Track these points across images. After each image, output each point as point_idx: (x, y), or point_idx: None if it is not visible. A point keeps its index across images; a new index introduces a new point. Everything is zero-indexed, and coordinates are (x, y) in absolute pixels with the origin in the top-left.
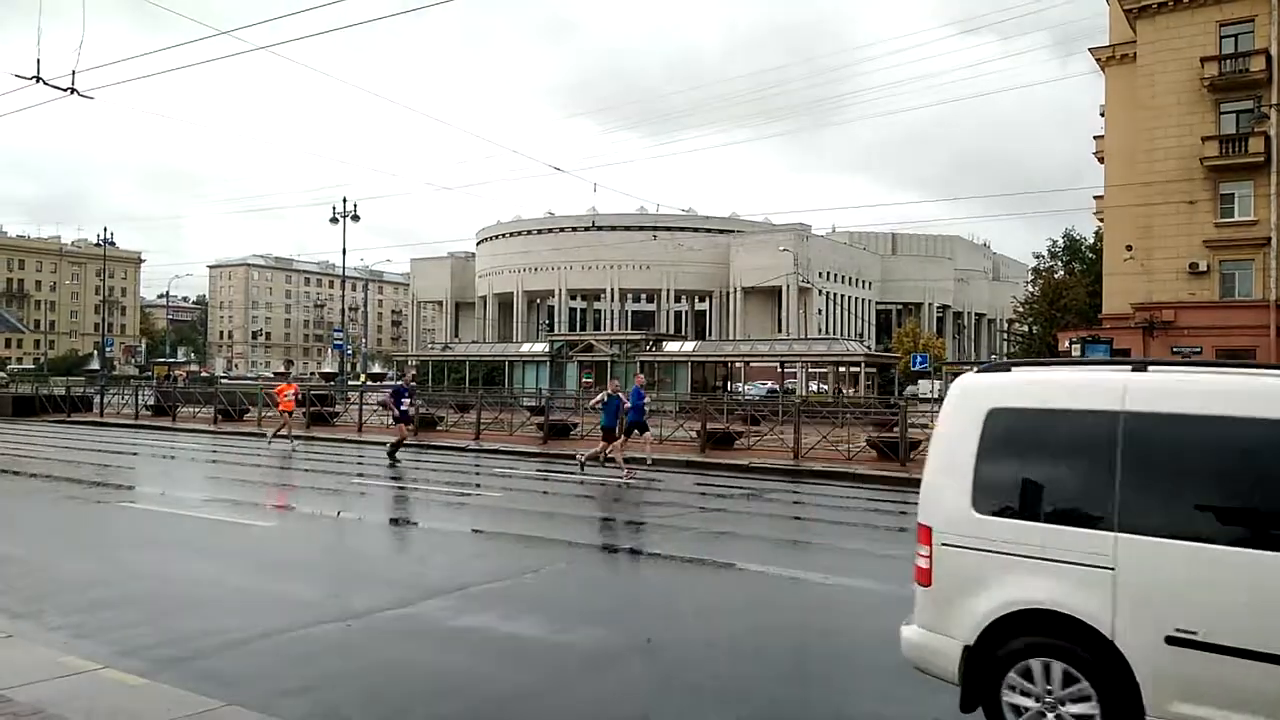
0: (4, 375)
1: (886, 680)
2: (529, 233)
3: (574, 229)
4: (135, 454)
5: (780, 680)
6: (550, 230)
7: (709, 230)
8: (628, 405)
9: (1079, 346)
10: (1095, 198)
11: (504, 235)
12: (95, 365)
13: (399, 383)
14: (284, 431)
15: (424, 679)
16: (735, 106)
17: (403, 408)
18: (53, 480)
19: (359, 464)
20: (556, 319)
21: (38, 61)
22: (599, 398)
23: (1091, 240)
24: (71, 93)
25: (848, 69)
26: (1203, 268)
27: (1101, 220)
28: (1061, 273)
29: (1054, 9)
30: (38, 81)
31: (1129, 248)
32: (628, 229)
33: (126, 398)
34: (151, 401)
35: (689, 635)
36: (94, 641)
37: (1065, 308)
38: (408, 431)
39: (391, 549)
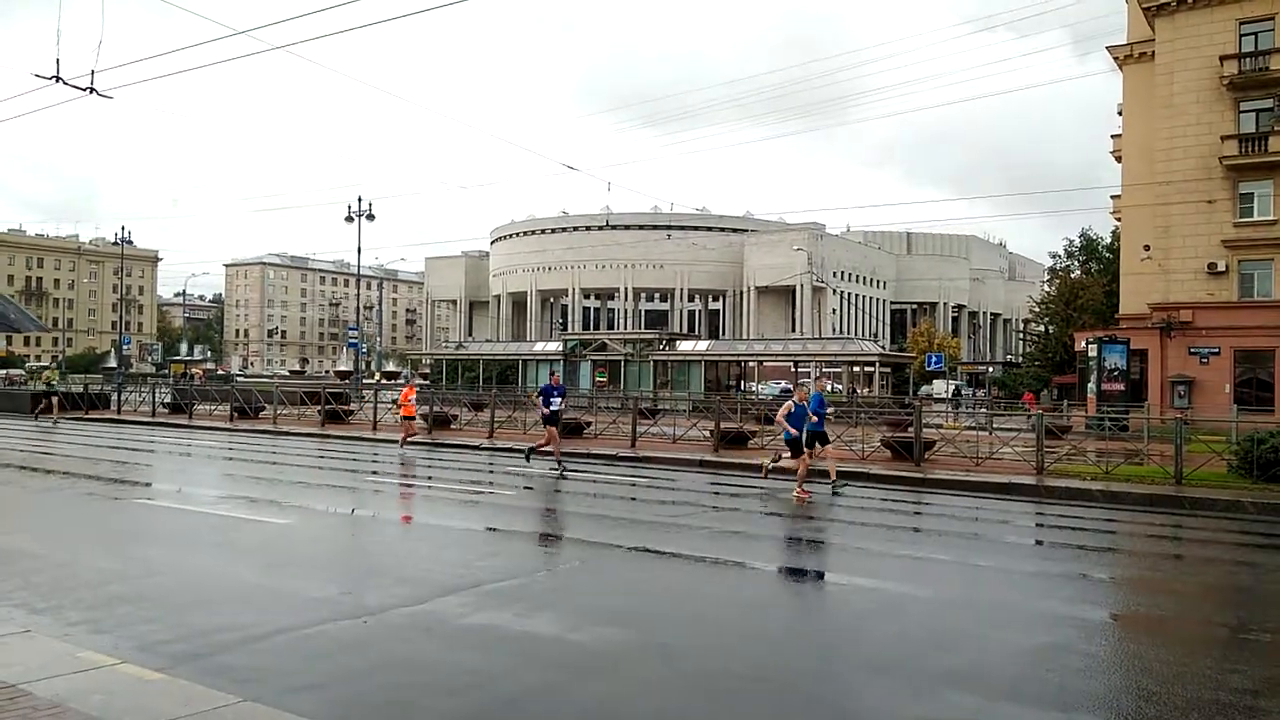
0: (22, 373)
1: (904, 679)
2: (543, 232)
3: (588, 228)
4: (152, 451)
5: (796, 679)
6: (564, 229)
7: (723, 229)
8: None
9: (1096, 347)
10: (1113, 197)
11: (518, 234)
12: (112, 363)
13: (548, 382)
14: (411, 438)
15: (438, 676)
16: (750, 105)
17: (552, 407)
18: (70, 477)
19: (374, 462)
20: (570, 318)
21: (57, 61)
22: (786, 406)
23: (1109, 240)
24: (90, 92)
25: (862, 67)
26: (1221, 268)
27: (1119, 220)
28: (1078, 272)
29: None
30: (57, 81)
31: (1146, 247)
32: (641, 228)
33: (144, 395)
34: (168, 399)
35: (702, 634)
36: (111, 637)
37: (1082, 308)
38: (555, 435)
39: (406, 546)
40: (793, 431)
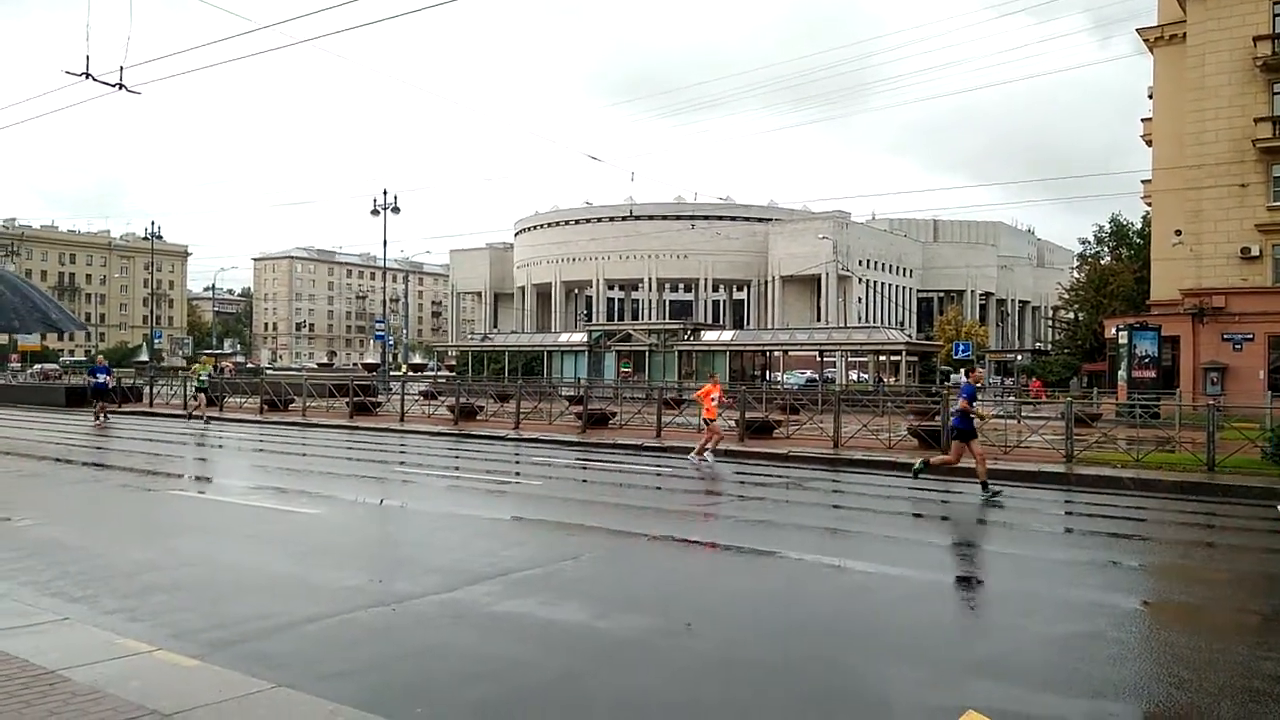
0: (57, 367)
1: (931, 667)
2: (567, 223)
3: (611, 219)
4: (184, 444)
5: (822, 667)
6: (588, 220)
7: (747, 219)
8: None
9: (1126, 334)
10: (1143, 182)
11: (542, 226)
12: (144, 357)
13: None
14: (709, 446)
15: (467, 663)
16: (770, 93)
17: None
18: (104, 469)
19: (401, 452)
20: (594, 309)
21: (86, 58)
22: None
23: (1139, 225)
24: (120, 88)
25: (886, 53)
26: (1255, 252)
27: (1149, 204)
28: (1108, 259)
29: None
30: (87, 78)
31: (1178, 232)
32: (665, 218)
33: (175, 389)
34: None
35: (729, 621)
36: (147, 625)
37: (1112, 294)
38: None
39: (434, 536)
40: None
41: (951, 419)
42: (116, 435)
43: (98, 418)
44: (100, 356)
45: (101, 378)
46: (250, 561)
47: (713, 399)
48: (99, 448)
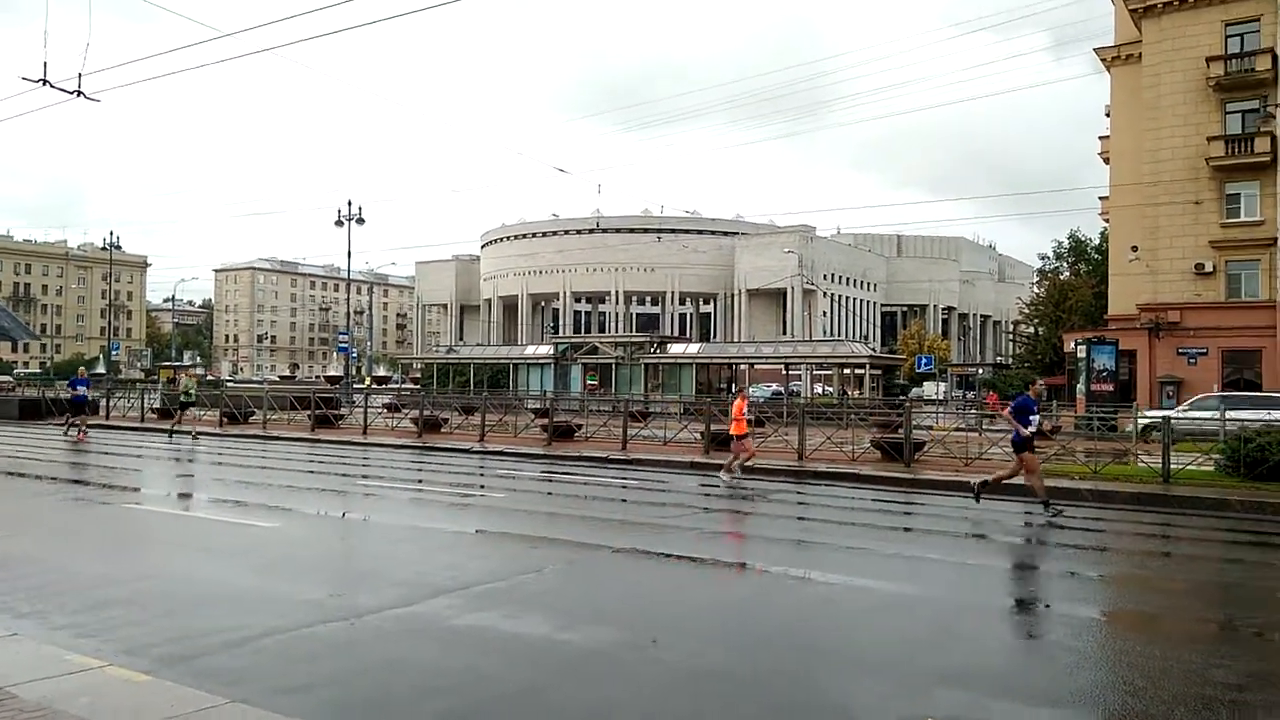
0: (10, 379)
1: (895, 677)
2: (534, 235)
3: (578, 231)
4: (140, 456)
5: (786, 679)
6: (555, 233)
7: (713, 232)
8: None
9: (1084, 348)
10: (1101, 198)
11: (509, 238)
12: (101, 369)
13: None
14: (738, 463)
15: (427, 677)
16: (738, 109)
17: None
18: (58, 482)
19: (364, 465)
20: (561, 321)
21: (44, 65)
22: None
23: (1097, 241)
24: (78, 95)
25: (848, 70)
26: (1209, 268)
27: (1107, 221)
28: (1067, 274)
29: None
30: (44, 84)
31: (1134, 248)
32: (632, 231)
33: (132, 401)
34: (157, 404)
35: (694, 633)
36: (98, 640)
37: (1071, 309)
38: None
39: (395, 549)
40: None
41: (1012, 434)
42: (72, 447)
43: (71, 431)
44: (82, 369)
45: (81, 390)
46: (207, 575)
47: (743, 412)
48: (53, 460)
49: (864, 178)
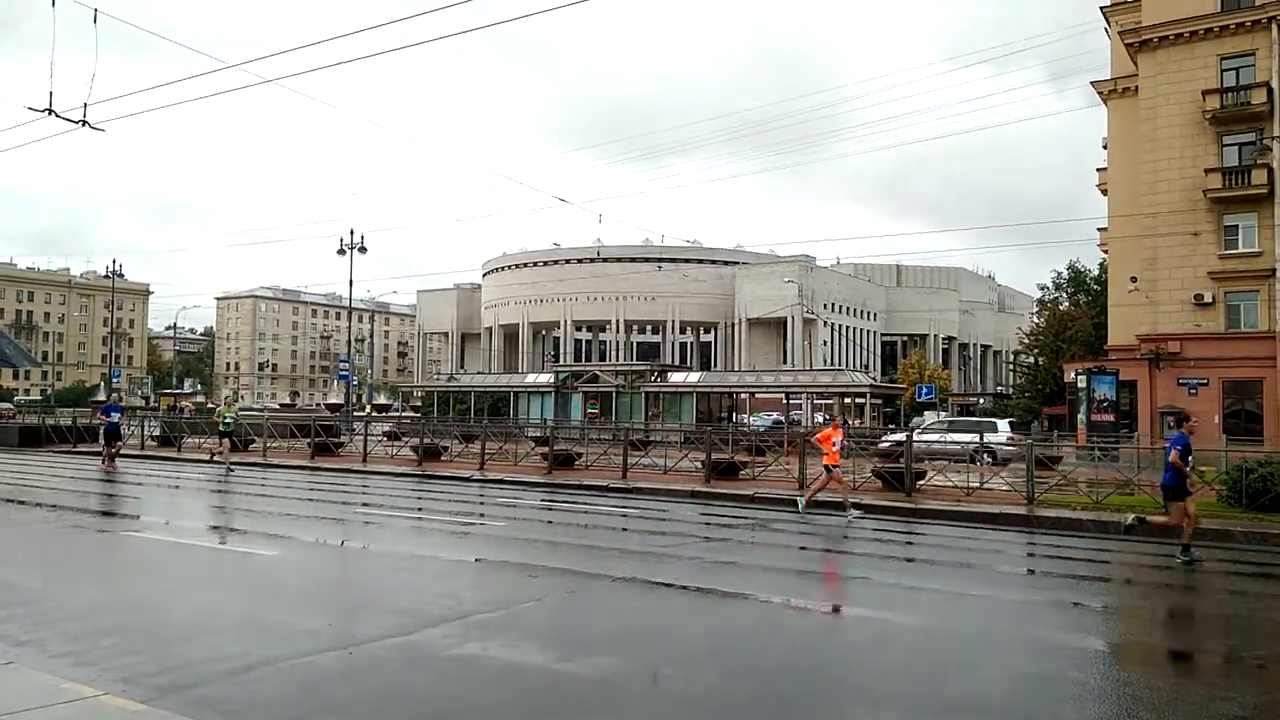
0: (10, 406)
1: (897, 709)
2: (535, 264)
3: (579, 260)
4: (140, 484)
5: (788, 710)
6: (556, 262)
7: (714, 261)
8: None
9: (1085, 378)
10: (1099, 229)
11: (510, 267)
12: (102, 396)
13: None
14: (833, 494)
15: (425, 706)
16: (738, 139)
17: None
18: (57, 509)
19: (363, 493)
20: (562, 350)
21: (50, 95)
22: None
23: (1096, 272)
24: (84, 125)
25: (851, 102)
26: (1208, 299)
27: (1106, 252)
28: (1066, 304)
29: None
30: (50, 114)
31: (1133, 279)
32: (633, 260)
33: (133, 428)
34: (157, 432)
35: (693, 664)
36: (95, 668)
37: (1071, 339)
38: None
39: (394, 578)
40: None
41: (1163, 474)
42: (71, 475)
43: (107, 460)
44: (115, 395)
45: (115, 417)
46: (205, 604)
47: (834, 443)
48: (53, 488)
49: (862, 208)
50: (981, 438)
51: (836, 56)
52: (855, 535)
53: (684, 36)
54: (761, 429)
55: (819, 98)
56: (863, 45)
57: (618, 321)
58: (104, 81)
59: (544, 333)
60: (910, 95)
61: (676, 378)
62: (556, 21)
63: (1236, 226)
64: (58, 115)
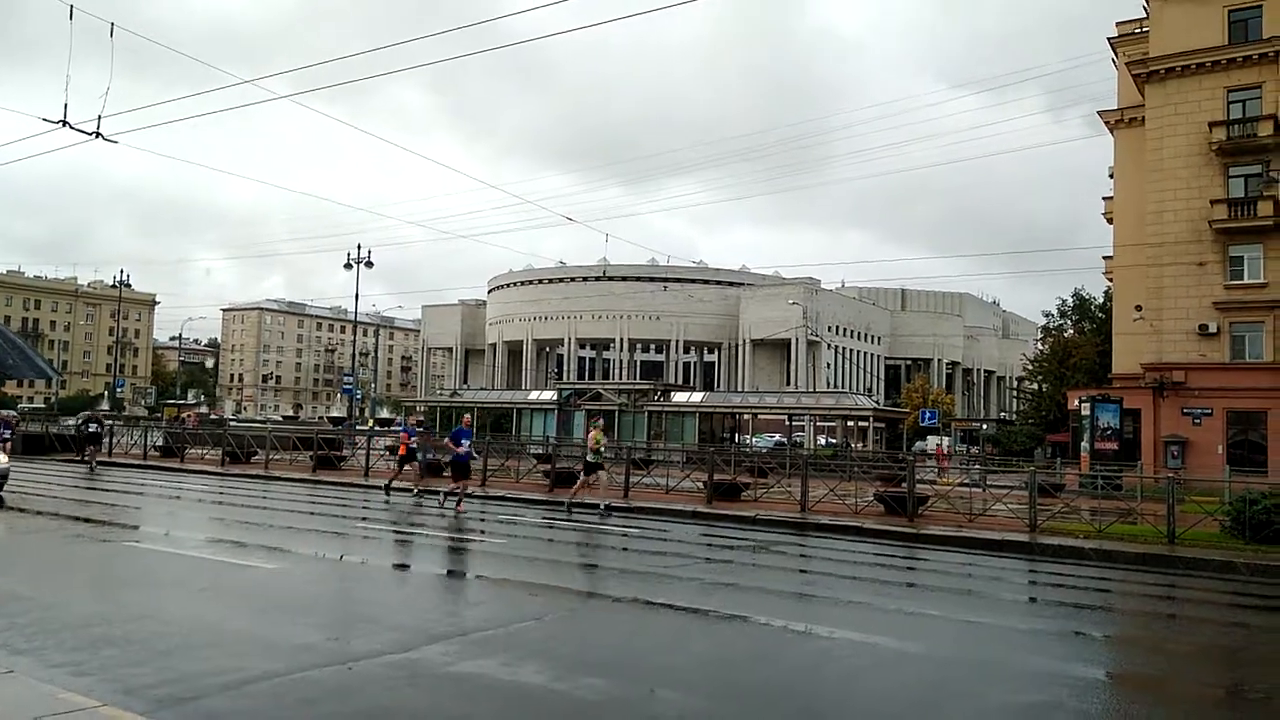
0: (14, 414)
1: None
2: (540, 282)
3: (585, 279)
4: (142, 494)
5: None
6: (561, 280)
7: (719, 282)
8: None
9: (1088, 406)
10: (1105, 257)
11: (515, 284)
12: (106, 405)
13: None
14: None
15: None
16: (744, 162)
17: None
18: (59, 518)
19: (364, 507)
20: (565, 367)
21: (64, 107)
22: None
23: (1101, 300)
24: (97, 136)
25: (856, 126)
26: (1213, 329)
27: (1111, 280)
28: (1071, 331)
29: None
30: (64, 125)
31: (1138, 308)
32: (638, 279)
33: (136, 438)
34: (160, 442)
35: (691, 686)
36: (94, 679)
37: (1075, 366)
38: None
39: (394, 593)
40: None
41: None
42: (73, 484)
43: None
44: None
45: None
46: (205, 616)
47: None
48: (55, 496)
49: (866, 232)
50: None
51: (843, 85)
52: (857, 560)
53: (679, 62)
54: (764, 450)
55: (822, 123)
56: (867, 73)
57: (622, 340)
58: (119, 95)
59: (548, 350)
60: (916, 122)
61: (680, 397)
62: (565, 42)
63: (1242, 258)
64: (72, 127)
